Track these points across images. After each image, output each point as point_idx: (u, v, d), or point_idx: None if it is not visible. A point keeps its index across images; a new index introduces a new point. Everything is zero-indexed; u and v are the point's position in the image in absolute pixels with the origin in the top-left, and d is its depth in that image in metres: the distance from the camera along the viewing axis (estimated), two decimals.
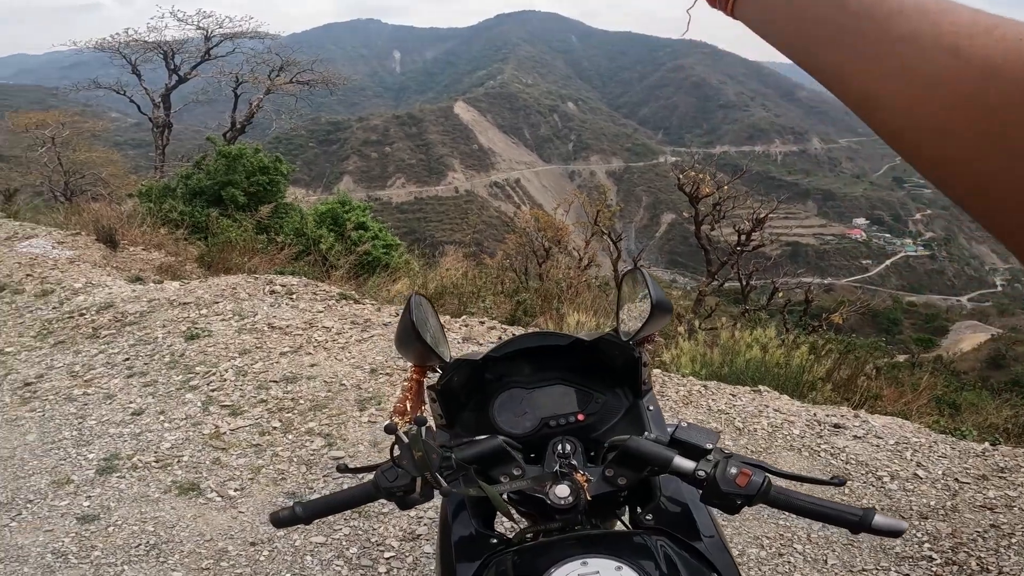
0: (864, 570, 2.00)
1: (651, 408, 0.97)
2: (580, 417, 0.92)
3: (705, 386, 3.34)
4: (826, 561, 2.06)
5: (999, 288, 63.90)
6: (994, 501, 2.25)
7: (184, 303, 4.67)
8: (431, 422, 0.96)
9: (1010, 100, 0.24)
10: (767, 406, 3.07)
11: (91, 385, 3.51)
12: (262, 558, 2.17)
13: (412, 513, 2.31)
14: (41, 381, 3.62)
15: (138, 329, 4.27)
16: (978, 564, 1.97)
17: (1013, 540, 2.04)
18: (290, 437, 2.88)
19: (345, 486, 0.82)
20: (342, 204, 8.59)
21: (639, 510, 0.84)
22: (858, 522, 0.68)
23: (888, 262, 70.07)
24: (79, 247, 7.32)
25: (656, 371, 3.43)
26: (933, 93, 0.27)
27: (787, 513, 2.27)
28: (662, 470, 0.76)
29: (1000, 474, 2.45)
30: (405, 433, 0.71)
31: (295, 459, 2.72)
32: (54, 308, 4.90)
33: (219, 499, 2.46)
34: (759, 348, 3.72)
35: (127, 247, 7.47)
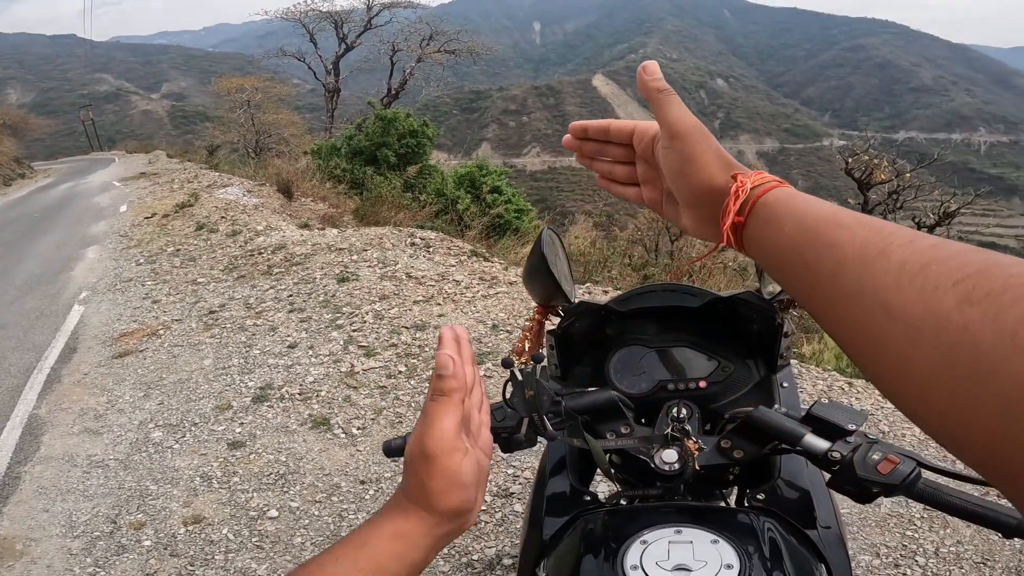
0: None
1: (785, 384, 0.89)
2: (702, 384, 0.86)
3: (850, 383, 2.99)
4: None
5: None
6: None
7: (340, 248, 5.18)
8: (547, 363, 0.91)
9: (929, 363, 0.24)
10: None
11: (260, 317, 4.05)
12: (367, 496, 2.29)
13: (508, 471, 2.34)
14: (223, 310, 4.25)
15: (302, 269, 4.83)
16: None
17: None
18: (412, 383, 3.05)
19: None
20: (480, 168, 8.89)
21: (749, 491, 0.77)
22: (1016, 526, 0.58)
23: None
24: (263, 196, 8.50)
25: (792, 362, 3.10)
26: (877, 354, 0.27)
27: (917, 524, 1.97)
28: (789, 447, 0.67)
29: None
30: (520, 371, 0.68)
31: (413, 404, 2.88)
32: (240, 247, 5.73)
33: (343, 436, 2.67)
34: None
35: (300, 198, 8.50)
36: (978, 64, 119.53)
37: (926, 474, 0.63)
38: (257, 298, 4.40)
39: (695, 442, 0.73)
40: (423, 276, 4.47)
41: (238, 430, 2.76)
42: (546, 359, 0.94)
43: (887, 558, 1.92)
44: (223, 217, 6.98)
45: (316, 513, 2.22)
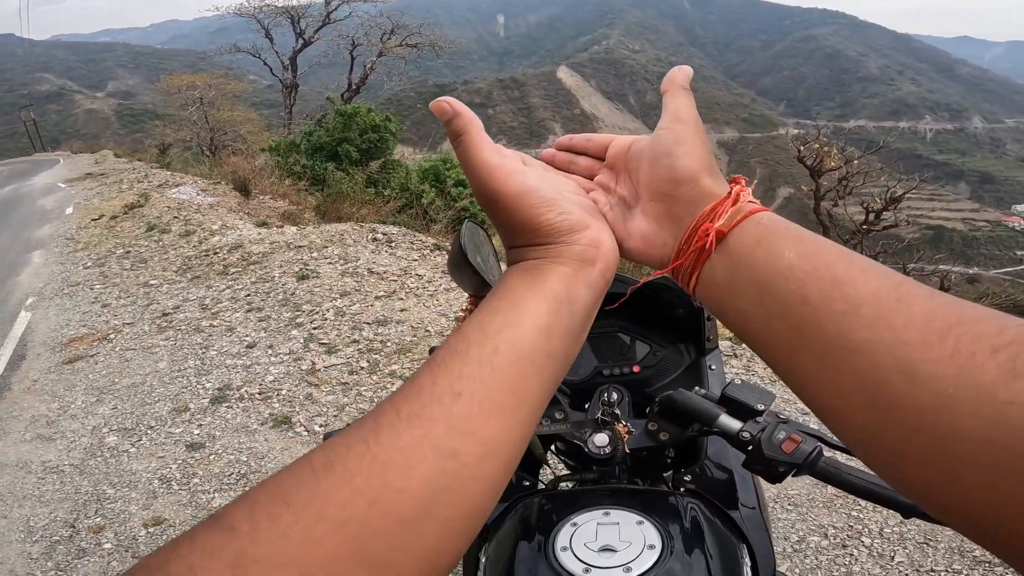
0: (933, 570, 1.81)
1: (713, 367, 0.91)
2: (636, 369, 0.88)
3: None
4: (893, 558, 1.89)
5: None
6: None
7: (299, 246, 5.09)
8: None
9: (962, 435, 0.21)
10: None
11: (217, 318, 3.96)
12: None
13: None
14: (177, 312, 4.14)
15: (260, 268, 4.73)
16: None
17: None
18: (374, 378, 3.05)
19: None
20: (444, 162, 8.84)
21: (677, 474, 0.80)
22: (913, 506, 0.59)
23: None
24: (218, 194, 8.24)
25: (745, 344, 3.19)
26: (890, 418, 0.24)
27: (863, 504, 2.08)
28: (706, 428, 0.70)
29: None
30: None
31: (376, 399, 2.87)
32: (194, 247, 5.56)
33: (305, 434, 2.66)
34: None
35: (258, 196, 8.28)
36: (923, 54, 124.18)
37: (830, 453, 0.63)
38: (213, 299, 4.30)
39: (625, 426, 0.75)
40: (385, 271, 4.44)
41: (196, 432, 2.71)
42: None
43: (835, 538, 1.98)
44: (176, 217, 6.75)
45: None
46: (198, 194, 8.30)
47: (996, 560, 1.82)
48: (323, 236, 5.33)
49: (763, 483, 0.74)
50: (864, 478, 0.61)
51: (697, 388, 0.81)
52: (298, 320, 3.75)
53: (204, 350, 3.50)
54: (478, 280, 0.86)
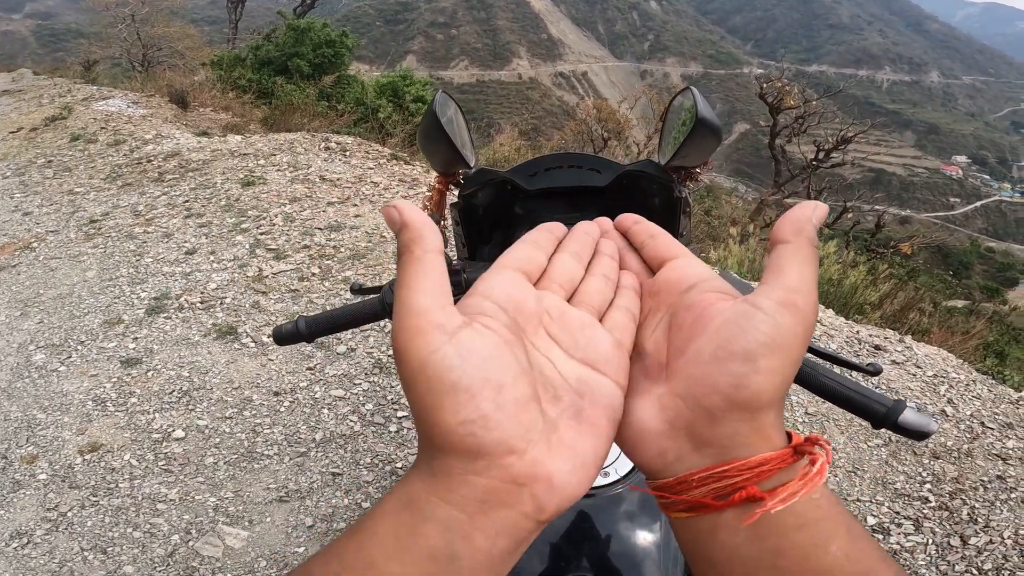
0: (859, 500, 1.92)
1: None
2: None
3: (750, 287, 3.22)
4: None
5: None
6: (1010, 451, 2.12)
7: (244, 154, 4.78)
8: (449, 233, 0.88)
9: None
10: None
11: (151, 224, 3.71)
12: (282, 409, 2.18)
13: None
14: (106, 219, 3.84)
15: (199, 175, 4.42)
16: (969, 514, 1.87)
17: (1013, 495, 1.93)
18: (327, 284, 2.96)
19: None
20: (403, 78, 8.44)
21: None
22: (884, 414, 0.57)
23: (978, 203, 64.71)
24: (152, 107, 7.54)
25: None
26: None
27: (803, 427, 2.25)
28: None
29: None
30: None
31: (328, 307, 2.80)
32: (124, 155, 5.12)
33: (252, 345, 2.54)
34: None
35: (197, 108, 7.64)
36: (895, 6, 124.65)
37: (807, 356, 0.61)
38: (147, 205, 4.01)
39: None
40: (338, 179, 4.23)
41: (132, 346, 2.55)
42: (453, 236, 0.91)
43: None
44: (103, 128, 6.16)
45: (227, 430, 2.12)
46: (128, 106, 7.56)
47: (915, 494, 1.95)
48: (271, 145, 5.01)
49: None
50: (840, 382, 0.59)
51: None
52: (243, 226, 3.55)
53: (138, 257, 3.29)
54: (451, 151, 0.80)
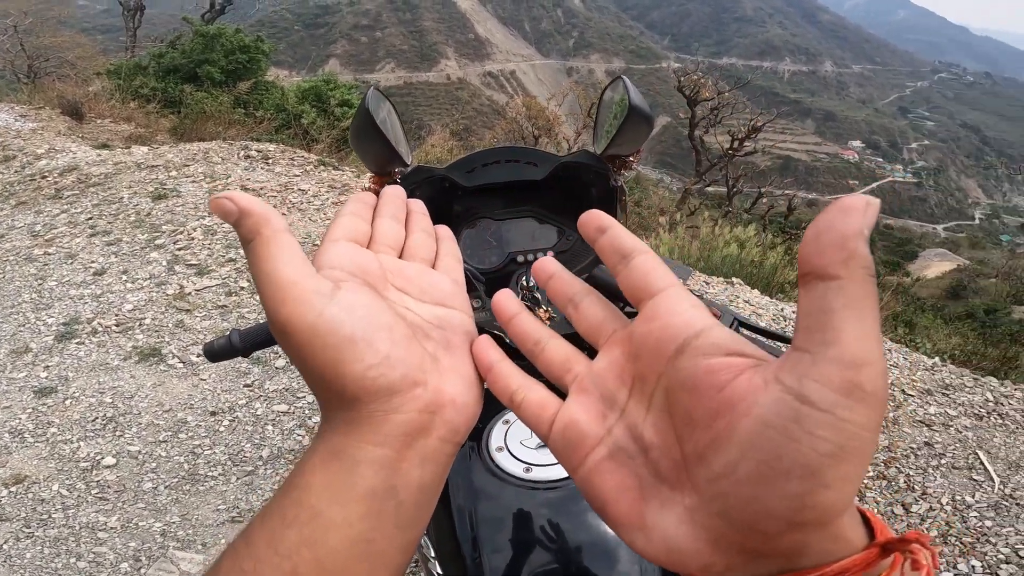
0: None
1: None
2: (549, 254, 0.85)
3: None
4: None
5: (976, 221, 65.09)
6: (933, 418, 2.23)
7: (152, 166, 4.48)
8: None
9: None
10: (738, 296, 3.12)
11: (52, 244, 3.41)
12: (222, 428, 2.10)
13: None
14: (1, 241, 3.50)
15: (103, 190, 4.11)
16: (906, 482, 1.93)
17: (943, 461, 2.02)
18: (257, 299, 2.85)
19: None
20: (327, 83, 8.19)
21: None
22: None
23: (875, 184, 70.94)
24: (43, 119, 6.89)
25: None
26: None
27: None
28: (625, 304, 0.72)
29: (944, 391, 2.42)
30: None
31: (263, 319, 2.70)
32: (15, 172, 4.66)
33: (181, 365, 2.41)
34: (737, 245, 3.73)
35: (94, 120, 7.07)
36: None
37: (747, 334, 0.63)
38: (45, 224, 3.68)
39: (546, 311, 0.71)
40: (262, 187, 4.05)
41: (44, 375, 2.38)
42: None
43: None
44: None
45: (163, 454, 2.02)
46: (16, 120, 6.88)
47: None
48: (183, 155, 4.72)
49: None
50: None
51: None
52: (158, 242, 3.34)
53: (40, 281, 3.02)
54: (386, 149, 0.78)
